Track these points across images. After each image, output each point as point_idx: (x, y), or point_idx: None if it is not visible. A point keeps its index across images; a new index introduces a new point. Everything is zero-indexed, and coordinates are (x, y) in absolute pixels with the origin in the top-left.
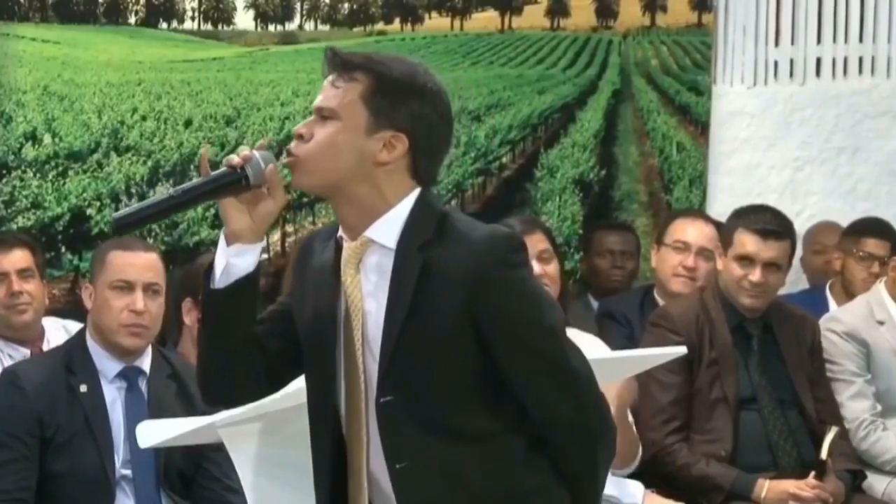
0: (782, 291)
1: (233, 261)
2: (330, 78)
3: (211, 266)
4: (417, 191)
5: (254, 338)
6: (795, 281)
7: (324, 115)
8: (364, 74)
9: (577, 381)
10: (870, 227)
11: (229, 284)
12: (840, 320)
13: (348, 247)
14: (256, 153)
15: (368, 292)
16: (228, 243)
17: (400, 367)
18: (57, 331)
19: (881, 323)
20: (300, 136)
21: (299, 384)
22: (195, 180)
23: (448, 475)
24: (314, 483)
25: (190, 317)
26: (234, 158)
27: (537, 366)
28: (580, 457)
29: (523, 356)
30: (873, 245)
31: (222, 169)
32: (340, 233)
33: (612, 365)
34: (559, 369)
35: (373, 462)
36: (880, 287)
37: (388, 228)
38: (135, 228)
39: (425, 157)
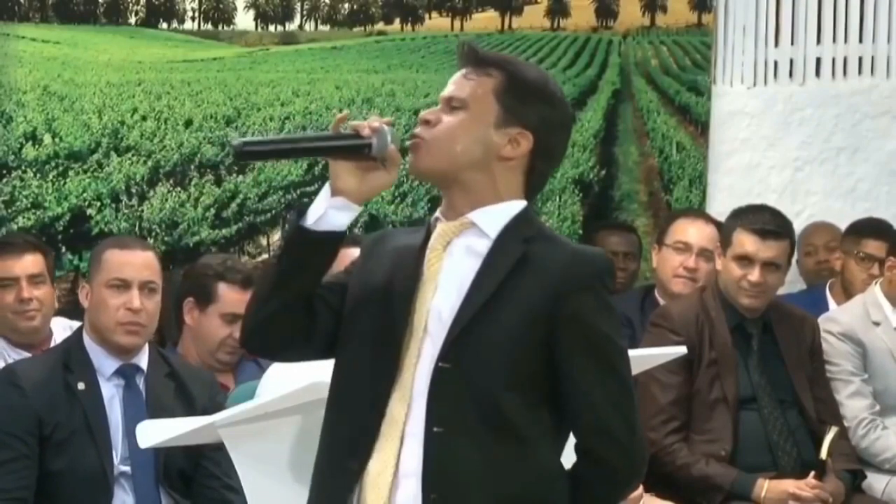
0: (782, 291)
1: (332, 212)
2: (463, 71)
3: (304, 208)
4: (524, 202)
5: (311, 296)
6: (795, 281)
7: (453, 104)
8: (499, 71)
9: (632, 406)
10: (870, 228)
11: (320, 231)
12: (837, 321)
13: (444, 225)
14: (385, 127)
15: (448, 268)
16: (333, 194)
17: (467, 341)
18: (64, 331)
19: (877, 324)
20: (426, 122)
21: (299, 384)
22: (323, 132)
23: (482, 449)
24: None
25: (191, 316)
26: (364, 127)
27: (603, 378)
28: (612, 476)
29: (593, 365)
30: (873, 246)
31: (349, 132)
32: (437, 215)
33: None
34: (622, 388)
35: (409, 426)
36: (875, 288)
37: (492, 218)
38: (254, 159)
39: (543, 161)
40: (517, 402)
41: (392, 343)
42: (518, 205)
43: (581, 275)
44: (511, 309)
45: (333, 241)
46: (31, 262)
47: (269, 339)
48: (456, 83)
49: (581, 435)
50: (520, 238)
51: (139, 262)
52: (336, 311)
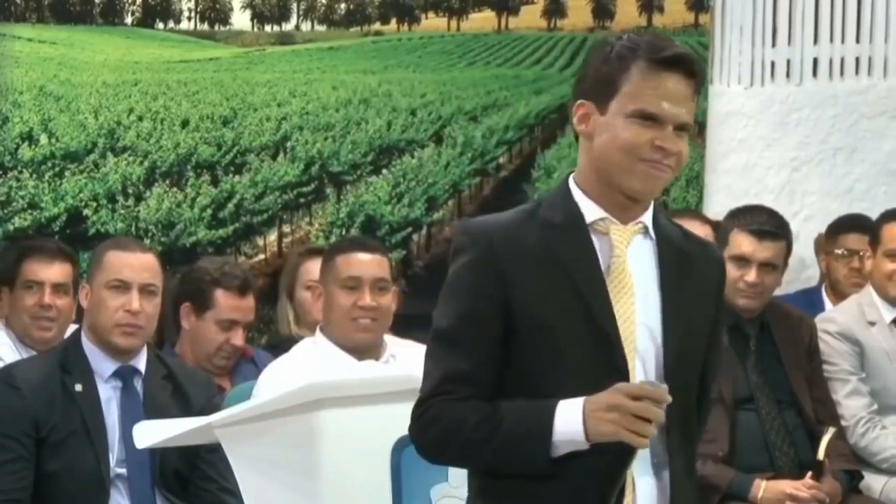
0: (779, 291)
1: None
2: (686, 91)
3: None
4: None
5: None
6: (792, 281)
7: (685, 129)
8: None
9: None
10: (848, 223)
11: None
12: (833, 320)
13: (620, 229)
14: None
15: (638, 276)
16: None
17: (679, 362)
18: None
19: (872, 324)
20: (665, 151)
21: (296, 385)
22: None
23: (689, 467)
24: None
25: (188, 321)
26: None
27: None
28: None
29: (717, 351)
30: (853, 240)
31: None
32: (599, 216)
33: None
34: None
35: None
36: (870, 288)
37: (649, 217)
38: None
39: None
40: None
41: (614, 366)
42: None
43: (723, 270)
44: (698, 317)
45: None
46: (58, 271)
47: None
48: (687, 106)
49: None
50: (663, 232)
51: (139, 264)
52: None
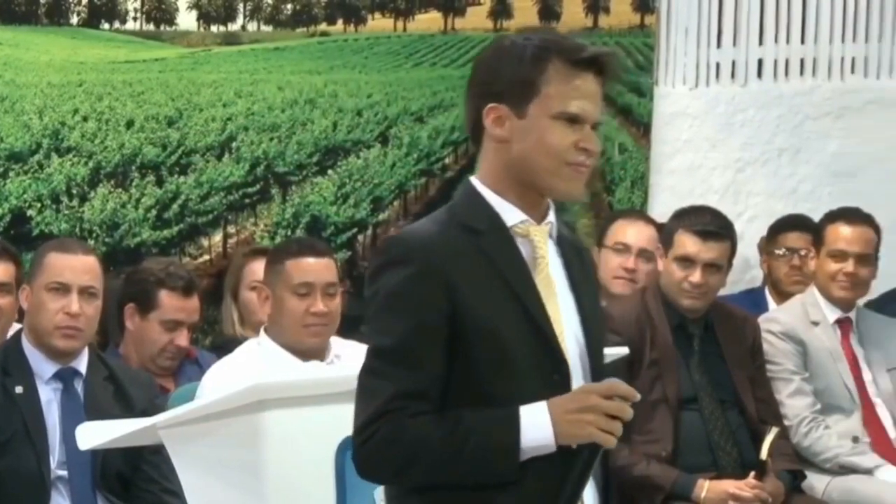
0: (723, 291)
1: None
2: (599, 90)
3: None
4: None
5: None
6: (737, 281)
7: (597, 128)
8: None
9: None
10: (787, 223)
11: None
12: (777, 320)
13: (539, 230)
14: None
15: (557, 280)
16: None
17: (597, 345)
18: None
19: (816, 324)
20: (588, 152)
21: (240, 386)
22: None
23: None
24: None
25: (132, 321)
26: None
27: None
28: None
29: None
30: (793, 239)
31: None
32: (520, 219)
33: None
34: None
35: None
36: (813, 289)
37: (552, 214)
38: None
39: None
40: None
41: (556, 367)
42: None
43: (593, 265)
44: (599, 312)
45: None
46: (1, 270)
47: None
48: (596, 102)
49: None
50: (560, 229)
51: (80, 267)
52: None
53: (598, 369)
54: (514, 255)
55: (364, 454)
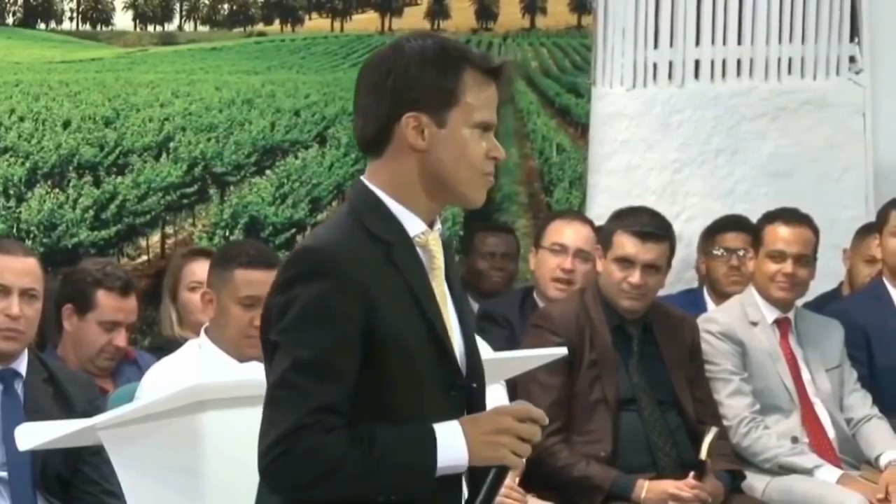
0: (661, 292)
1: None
2: (496, 95)
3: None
4: None
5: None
6: (675, 282)
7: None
8: None
9: None
10: (725, 223)
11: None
12: (716, 320)
13: (434, 238)
14: None
15: (445, 293)
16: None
17: (476, 352)
18: None
19: (754, 324)
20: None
21: (179, 387)
22: None
23: None
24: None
25: (70, 322)
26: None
27: None
28: None
29: None
30: (731, 238)
31: None
32: (420, 229)
33: (493, 366)
34: None
35: None
36: (751, 289)
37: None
38: None
39: None
40: None
41: (451, 378)
42: None
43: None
44: (472, 318)
45: None
46: None
47: None
48: (494, 109)
49: None
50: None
51: (21, 269)
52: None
53: (480, 374)
54: (418, 267)
55: (279, 467)
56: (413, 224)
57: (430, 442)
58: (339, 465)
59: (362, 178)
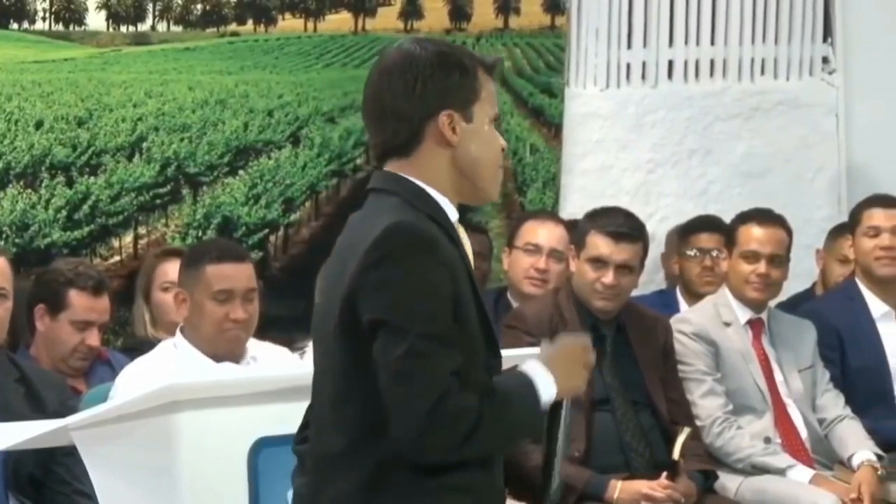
0: (634, 292)
1: None
2: (496, 88)
3: None
4: None
5: None
6: (648, 282)
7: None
8: None
9: None
10: (698, 224)
11: None
12: (689, 321)
13: (461, 228)
14: None
15: None
16: None
17: None
18: None
19: (728, 324)
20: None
21: (153, 387)
22: None
23: None
24: None
25: (42, 322)
26: None
27: None
28: None
29: None
30: (704, 239)
31: None
32: (456, 218)
33: None
34: None
35: None
36: (725, 290)
37: None
38: None
39: None
40: None
41: (493, 359)
42: None
43: None
44: None
45: None
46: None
47: None
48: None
49: None
50: None
51: None
52: None
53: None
54: (465, 250)
55: (435, 432)
56: (451, 212)
57: (531, 385)
58: (478, 422)
59: (397, 172)
